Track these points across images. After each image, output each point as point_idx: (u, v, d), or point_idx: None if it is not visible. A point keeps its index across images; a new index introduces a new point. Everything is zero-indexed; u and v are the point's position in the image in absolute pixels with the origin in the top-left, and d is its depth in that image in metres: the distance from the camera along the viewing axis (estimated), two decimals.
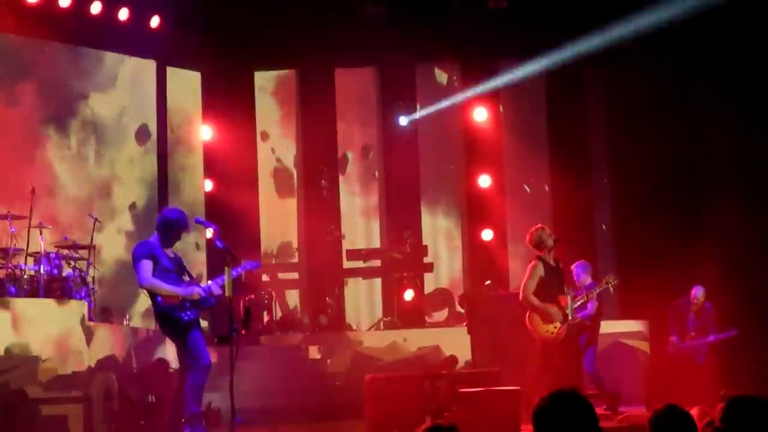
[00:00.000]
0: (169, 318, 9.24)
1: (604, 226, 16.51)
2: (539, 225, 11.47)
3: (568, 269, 12.01)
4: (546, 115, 16.54)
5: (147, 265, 9.22)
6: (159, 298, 9.21)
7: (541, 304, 10.99)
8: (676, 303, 13.24)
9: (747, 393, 5.02)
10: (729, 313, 13.25)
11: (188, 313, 9.22)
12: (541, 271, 11.01)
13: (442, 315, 16.15)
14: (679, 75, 15.02)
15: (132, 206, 15.58)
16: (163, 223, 9.51)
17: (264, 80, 16.86)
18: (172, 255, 9.51)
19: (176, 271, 9.44)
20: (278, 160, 16.88)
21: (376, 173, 16.79)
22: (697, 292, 13.03)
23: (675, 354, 12.99)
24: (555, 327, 10.99)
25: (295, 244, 16.65)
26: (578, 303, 11.27)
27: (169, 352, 13.12)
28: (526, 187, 16.62)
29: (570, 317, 11.05)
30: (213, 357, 9.99)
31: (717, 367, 12.46)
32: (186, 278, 9.51)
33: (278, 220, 16.72)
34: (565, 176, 15.85)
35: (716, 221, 14.44)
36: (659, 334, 13.63)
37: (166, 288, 9.20)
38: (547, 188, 16.48)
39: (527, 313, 11.12)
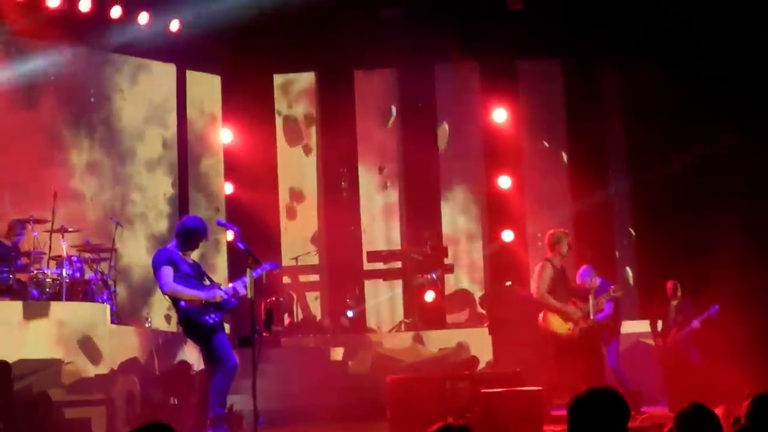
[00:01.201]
0: (194, 322, 9.28)
1: (632, 231, 16.46)
2: (564, 230, 11.66)
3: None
4: (564, 114, 16.53)
5: (168, 272, 9.26)
6: (182, 303, 9.25)
7: (559, 303, 11.14)
8: (654, 302, 13.27)
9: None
10: (746, 314, 13.25)
11: (212, 315, 9.26)
12: (550, 271, 11.22)
13: (463, 316, 16.14)
14: (693, 73, 14.96)
15: (153, 210, 15.63)
16: (182, 230, 9.56)
17: (284, 82, 16.90)
18: (191, 261, 9.56)
19: (196, 276, 9.48)
20: (299, 161, 16.90)
21: (387, 184, 16.75)
22: (671, 286, 13.06)
23: (666, 350, 12.94)
24: (569, 327, 11.19)
25: (316, 246, 16.66)
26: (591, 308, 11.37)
27: (190, 354, 13.18)
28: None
29: (591, 317, 11.14)
30: None
31: (736, 368, 12.41)
32: (207, 282, 9.55)
33: (299, 221, 16.74)
34: (585, 176, 15.82)
35: (734, 219, 14.37)
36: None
37: (188, 292, 9.24)
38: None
39: (542, 313, 11.25)
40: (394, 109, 16.81)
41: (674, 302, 13.06)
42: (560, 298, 11.24)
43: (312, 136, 16.95)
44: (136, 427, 4.36)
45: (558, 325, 11.23)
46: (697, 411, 4.91)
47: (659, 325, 13.05)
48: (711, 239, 14.35)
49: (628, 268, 16.34)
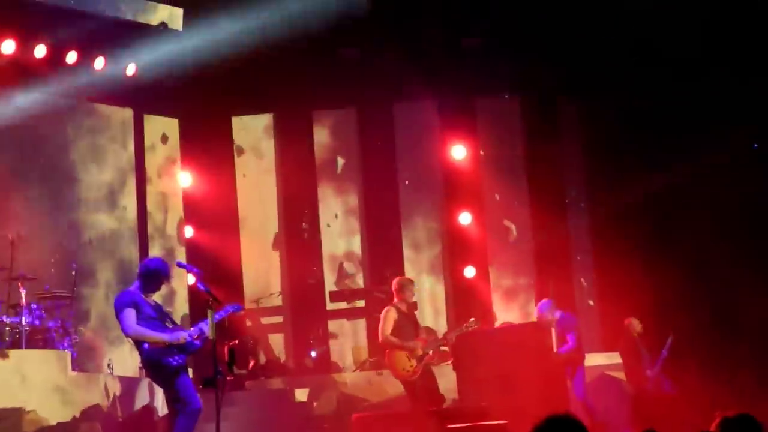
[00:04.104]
0: (158, 364, 9.21)
1: (579, 261, 16.59)
2: (410, 278, 12.49)
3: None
4: (524, 150, 16.64)
5: (131, 314, 9.20)
6: (145, 345, 9.19)
7: (399, 341, 11.55)
8: (622, 342, 13.35)
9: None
10: (715, 349, 13.44)
11: (176, 357, 9.20)
12: (393, 314, 11.69)
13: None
14: (652, 108, 15.15)
15: (113, 255, 15.52)
16: (145, 271, 9.52)
17: (243, 125, 16.91)
18: (153, 303, 9.50)
19: (159, 318, 9.42)
20: (259, 204, 16.86)
21: (336, 215, 16.76)
22: (631, 322, 13.19)
23: (654, 386, 13.02)
24: (411, 365, 11.53)
25: (278, 288, 16.59)
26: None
27: (154, 399, 13.05)
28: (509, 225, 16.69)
29: (428, 355, 11.67)
30: None
31: (700, 395, 12.51)
32: (169, 325, 9.49)
33: (260, 264, 16.69)
34: (545, 211, 15.92)
35: (694, 253, 14.53)
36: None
37: (151, 335, 9.18)
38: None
39: (386, 355, 11.73)
40: (340, 159, 16.85)
41: (636, 336, 13.16)
42: (408, 336, 11.69)
43: (273, 176, 16.93)
44: None
45: (402, 363, 11.60)
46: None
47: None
48: (669, 270, 14.48)
49: (590, 301, 16.42)
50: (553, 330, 13.20)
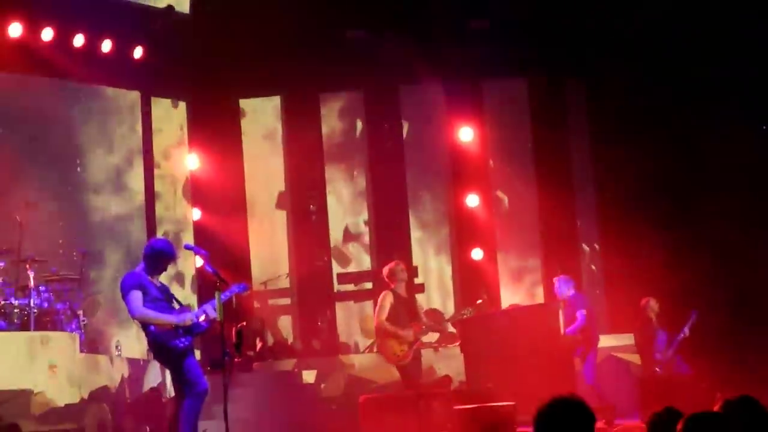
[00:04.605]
0: (164, 346, 9.22)
1: (585, 246, 16.56)
2: (396, 261, 12.42)
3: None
4: (530, 131, 16.61)
5: (137, 296, 9.19)
6: (152, 328, 9.18)
7: (393, 327, 11.64)
8: (638, 322, 13.32)
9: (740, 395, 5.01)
10: (720, 324, 13.37)
11: (182, 340, 9.19)
12: (390, 299, 11.79)
13: (434, 336, 16.12)
14: (660, 89, 15.12)
15: (120, 237, 15.55)
16: (150, 252, 9.50)
17: (252, 106, 16.92)
18: (159, 284, 9.49)
19: (165, 299, 9.42)
20: (267, 185, 16.88)
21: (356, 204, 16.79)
22: (649, 301, 13.14)
23: (665, 370, 13.01)
24: (402, 350, 11.60)
25: (285, 270, 16.61)
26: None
27: (162, 381, 13.10)
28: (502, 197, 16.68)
29: (419, 341, 11.80)
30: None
31: (709, 375, 12.50)
32: (176, 306, 9.49)
33: (268, 246, 16.71)
34: (552, 192, 15.91)
35: (704, 233, 14.52)
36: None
37: (158, 317, 9.18)
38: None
39: (381, 339, 11.85)
40: (347, 142, 16.84)
41: (653, 316, 13.13)
42: (402, 324, 11.74)
43: (280, 159, 16.93)
44: None
45: (393, 348, 11.69)
46: (670, 415, 4.91)
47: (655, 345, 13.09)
48: (677, 251, 14.48)
49: (596, 271, 16.44)
50: (560, 311, 13.20)
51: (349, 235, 16.85)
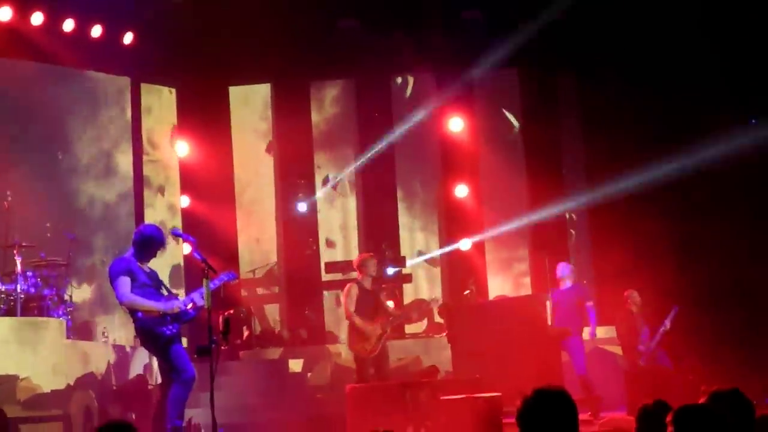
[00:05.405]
0: (151, 333, 9.19)
1: (573, 232, 16.60)
2: (371, 254, 12.54)
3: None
4: (521, 123, 16.61)
5: (125, 282, 9.14)
6: (139, 314, 9.15)
7: (361, 322, 11.74)
8: (619, 314, 13.33)
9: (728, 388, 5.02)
10: (708, 322, 13.45)
11: (170, 327, 9.17)
12: (356, 291, 11.90)
13: (421, 326, 16.14)
14: (651, 82, 15.12)
15: (109, 223, 15.51)
16: (139, 238, 9.45)
17: (241, 93, 16.87)
18: (148, 270, 9.45)
19: (154, 285, 9.38)
20: (256, 174, 16.85)
21: (347, 187, 16.76)
22: (631, 294, 13.17)
23: (648, 363, 13.02)
24: (371, 343, 11.72)
25: (273, 258, 16.60)
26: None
27: (148, 368, 13.08)
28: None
29: (386, 334, 11.81)
30: None
31: (694, 369, 12.54)
32: (164, 293, 9.46)
33: (256, 234, 16.69)
34: (542, 184, 15.91)
35: (693, 227, 14.54)
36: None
37: (146, 303, 9.14)
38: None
39: (348, 330, 11.91)
40: (337, 131, 16.84)
41: (635, 309, 13.15)
42: (366, 316, 11.85)
43: (270, 146, 16.89)
44: None
45: (362, 341, 11.78)
46: (659, 408, 4.92)
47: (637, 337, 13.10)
48: (666, 244, 14.50)
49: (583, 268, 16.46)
50: (548, 302, 13.20)
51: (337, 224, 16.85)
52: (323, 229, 16.75)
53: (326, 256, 16.57)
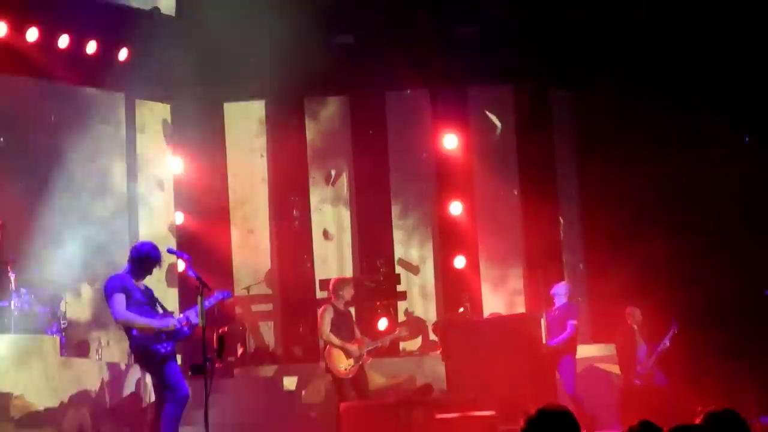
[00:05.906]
0: (146, 351, 9.18)
1: (582, 259, 16.57)
2: (346, 278, 13.11)
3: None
4: (515, 139, 16.62)
5: (120, 299, 9.14)
6: (134, 332, 9.14)
7: (340, 341, 11.99)
8: (619, 331, 13.32)
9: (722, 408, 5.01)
10: (702, 340, 13.44)
11: (164, 345, 9.17)
12: (330, 313, 12.14)
13: (415, 344, 16.11)
14: (645, 99, 15.16)
15: (103, 240, 15.45)
16: (135, 255, 9.46)
17: (236, 110, 16.86)
18: (143, 288, 9.45)
19: (149, 303, 9.38)
20: (251, 191, 16.83)
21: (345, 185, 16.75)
22: (633, 311, 13.17)
23: (644, 381, 13.01)
24: (349, 363, 11.95)
25: (268, 276, 16.56)
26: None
27: (142, 386, 13.03)
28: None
29: (363, 356, 12.14)
30: None
31: (689, 387, 12.53)
32: (159, 310, 9.45)
33: (250, 251, 16.65)
34: (536, 200, 15.92)
35: (688, 244, 14.55)
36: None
37: (141, 321, 9.14)
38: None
39: (326, 351, 12.09)
40: (331, 147, 16.84)
41: (636, 326, 13.13)
42: (342, 337, 12.09)
43: (264, 163, 16.87)
44: None
45: (341, 362, 11.99)
46: (646, 429, 4.91)
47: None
48: (660, 262, 14.50)
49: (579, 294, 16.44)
50: (543, 320, 13.20)
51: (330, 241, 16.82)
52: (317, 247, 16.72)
53: (321, 273, 16.51)
